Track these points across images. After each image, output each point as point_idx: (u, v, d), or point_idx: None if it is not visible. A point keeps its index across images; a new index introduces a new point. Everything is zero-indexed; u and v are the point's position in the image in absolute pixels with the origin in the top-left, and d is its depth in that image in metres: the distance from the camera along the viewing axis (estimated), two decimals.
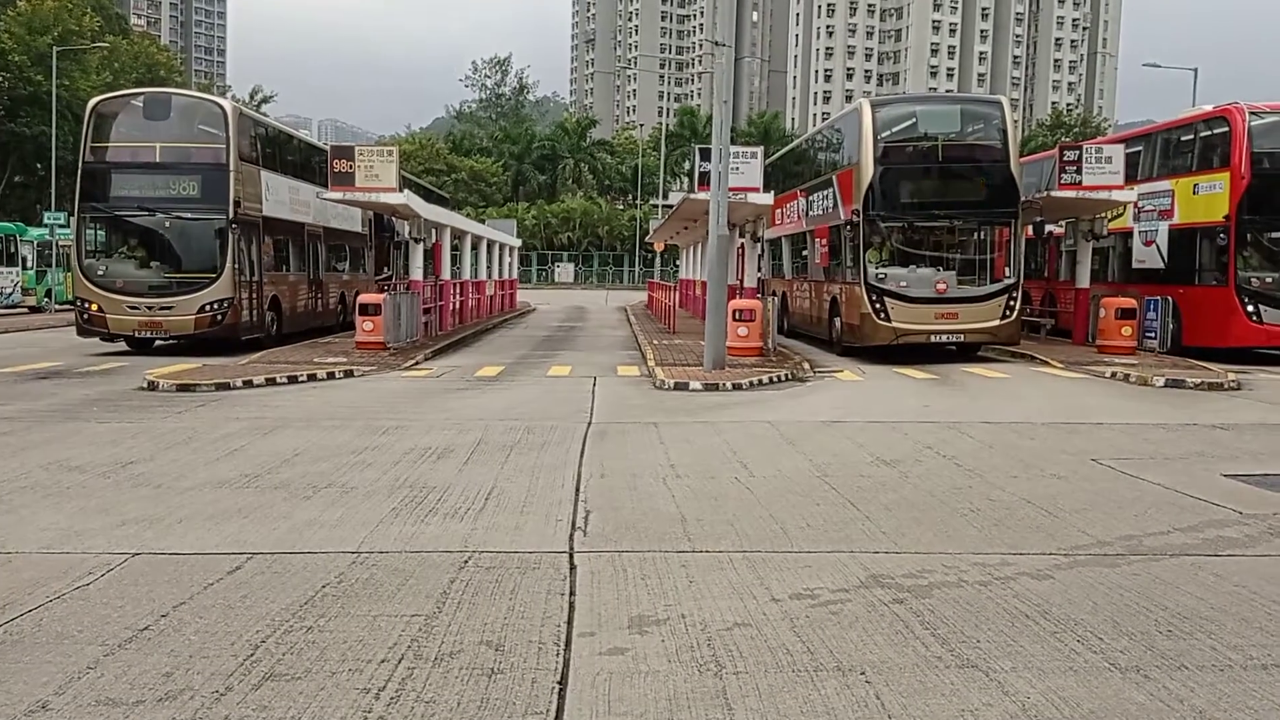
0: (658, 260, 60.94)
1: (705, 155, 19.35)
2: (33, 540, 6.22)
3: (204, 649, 4.48)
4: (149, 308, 18.78)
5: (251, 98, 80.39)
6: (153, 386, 14.00)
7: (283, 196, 21.88)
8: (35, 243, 36.20)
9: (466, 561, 5.89)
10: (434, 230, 23.69)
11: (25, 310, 34.24)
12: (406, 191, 20.46)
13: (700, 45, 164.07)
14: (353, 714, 3.85)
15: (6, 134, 49.98)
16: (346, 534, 6.46)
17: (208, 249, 19.08)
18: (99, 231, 19.77)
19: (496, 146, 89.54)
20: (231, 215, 18.88)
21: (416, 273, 21.86)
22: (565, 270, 76.08)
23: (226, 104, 20.40)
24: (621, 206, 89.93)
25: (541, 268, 75.93)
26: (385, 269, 31.35)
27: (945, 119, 20.26)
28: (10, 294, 34.84)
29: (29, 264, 36.00)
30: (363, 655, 4.43)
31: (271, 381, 14.81)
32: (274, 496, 7.50)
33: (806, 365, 17.32)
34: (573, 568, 5.79)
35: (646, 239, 55.61)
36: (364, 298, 19.59)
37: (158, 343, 19.70)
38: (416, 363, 17.96)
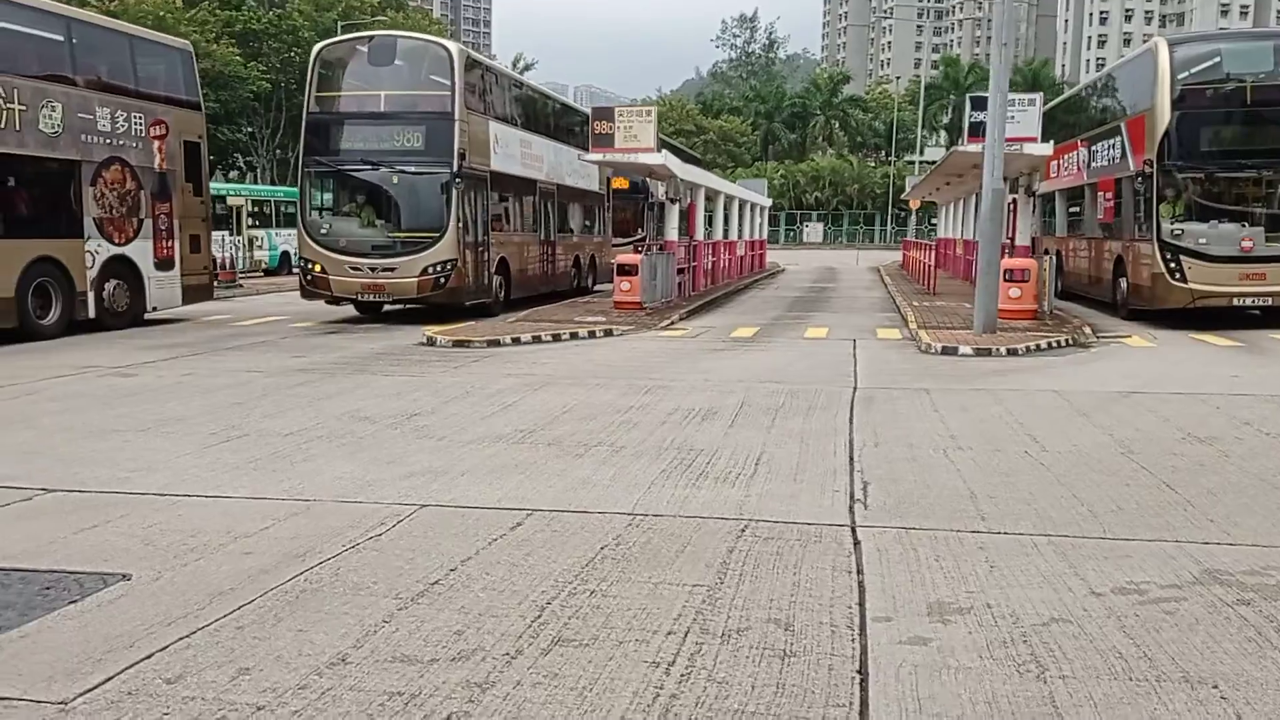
0: (912, 219, 58.72)
1: (977, 104, 18.19)
2: (329, 489, 6.49)
3: (492, 608, 4.45)
4: (371, 269, 17.47)
5: (514, 65, 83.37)
6: (431, 342, 14.66)
7: (513, 150, 20.49)
8: None
9: (744, 530, 5.64)
10: (689, 191, 23.59)
11: None
12: (664, 152, 20.41)
13: None
14: (644, 689, 3.67)
15: (298, 108, 54.12)
16: (619, 494, 6.37)
17: (431, 206, 17.60)
18: (323, 188, 18.75)
19: (746, 106, 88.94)
20: (456, 169, 17.31)
21: (672, 233, 21.85)
22: (814, 230, 74.77)
23: (453, 46, 18.62)
24: (872, 164, 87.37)
25: (790, 228, 74.95)
26: (640, 230, 31.68)
27: (1256, 57, 18.06)
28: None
29: None
30: (648, 625, 4.26)
31: (537, 339, 15.18)
32: (547, 453, 7.55)
33: (1088, 330, 16.03)
34: (856, 543, 5.42)
35: (902, 196, 53.64)
36: (621, 258, 19.78)
37: (386, 307, 18.77)
38: (672, 323, 17.95)
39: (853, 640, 4.14)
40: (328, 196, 18.74)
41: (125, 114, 16.48)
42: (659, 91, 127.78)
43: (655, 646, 4.05)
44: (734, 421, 8.85)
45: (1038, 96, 18.69)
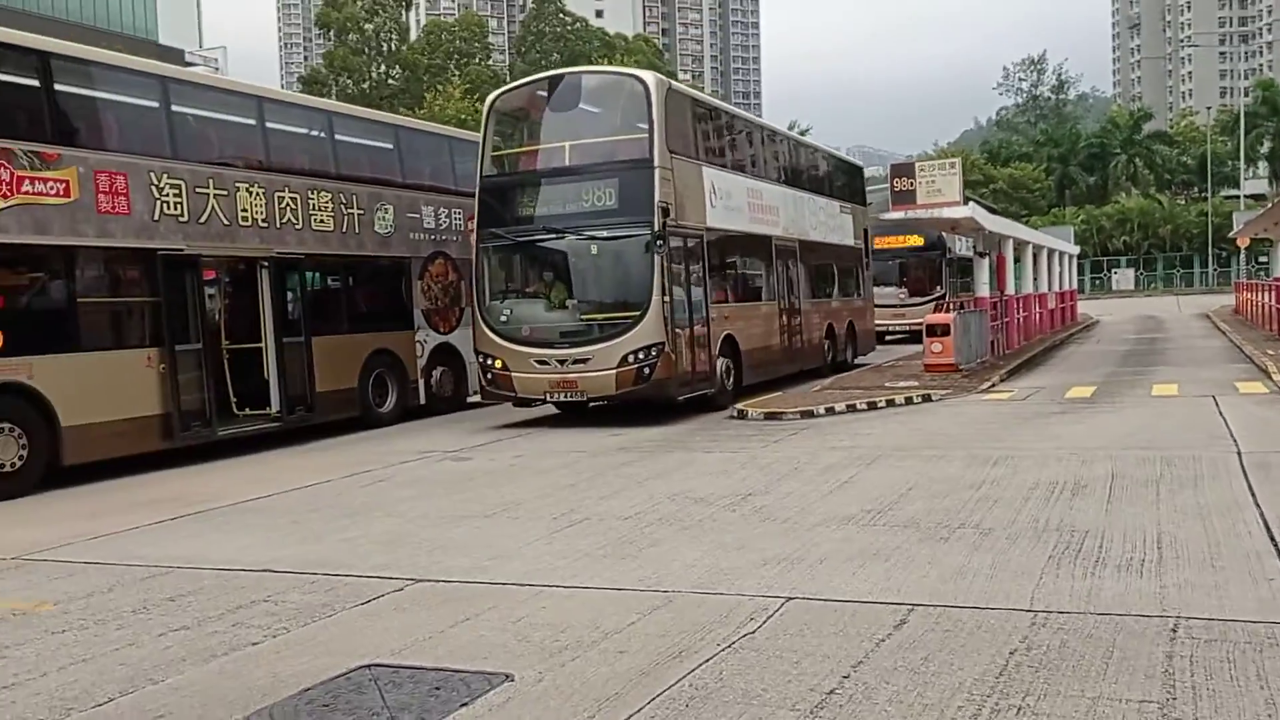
0: (1239, 259, 53.30)
1: None
2: (684, 578, 6.19)
3: None
4: (560, 362, 13.90)
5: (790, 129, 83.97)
6: (742, 415, 14.39)
7: (738, 202, 16.85)
8: None
9: (1174, 630, 4.80)
10: (997, 243, 22.34)
11: None
12: (971, 204, 19.45)
13: (1271, 11, 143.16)
14: None
15: None
16: (1009, 587, 5.66)
17: (628, 278, 14.16)
18: (502, 265, 15.23)
19: (1037, 151, 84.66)
20: (658, 228, 13.61)
21: (983, 289, 20.70)
22: (1124, 277, 69.46)
23: (650, 77, 14.84)
24: (1183, 202, 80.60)
25: (1095, 275, 70.06)
26: (938, 287, 30.45)
27: None
28: None
29: None
30: None
31: (851, 408, 14.56)
32: (907, 536, 6.93)
33: None
34: None
35: (1230, 234, 48.74)
36: (931, 318, 18.84)
37: (591, 404, 14.61)
38: (993, 384, 16.82)
39: None
40: (506, 275, 15.36)
41: (446, 210, 17.52)
42: (935, 145, 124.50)
43: None
44: (1110, 496, 7.87)
45: None
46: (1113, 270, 70.55)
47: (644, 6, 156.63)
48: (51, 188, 10.71)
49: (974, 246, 20.57)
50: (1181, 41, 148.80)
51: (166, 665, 5.11)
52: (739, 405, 14.82)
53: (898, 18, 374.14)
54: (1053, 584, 5.67)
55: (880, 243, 31.20)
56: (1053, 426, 12.06)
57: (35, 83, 10.91)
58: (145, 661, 5.18)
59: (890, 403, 15.01)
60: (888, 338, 31.18)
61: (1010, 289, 23.93)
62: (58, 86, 11.13)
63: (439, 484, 10.26)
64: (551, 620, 5.48)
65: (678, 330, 14.11)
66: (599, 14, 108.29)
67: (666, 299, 13.75)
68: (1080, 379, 17.36)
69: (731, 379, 15.92)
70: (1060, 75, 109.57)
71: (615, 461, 11.02)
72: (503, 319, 14.52)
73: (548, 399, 14.43)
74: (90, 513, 9.42)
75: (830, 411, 14.39)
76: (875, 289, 31.13)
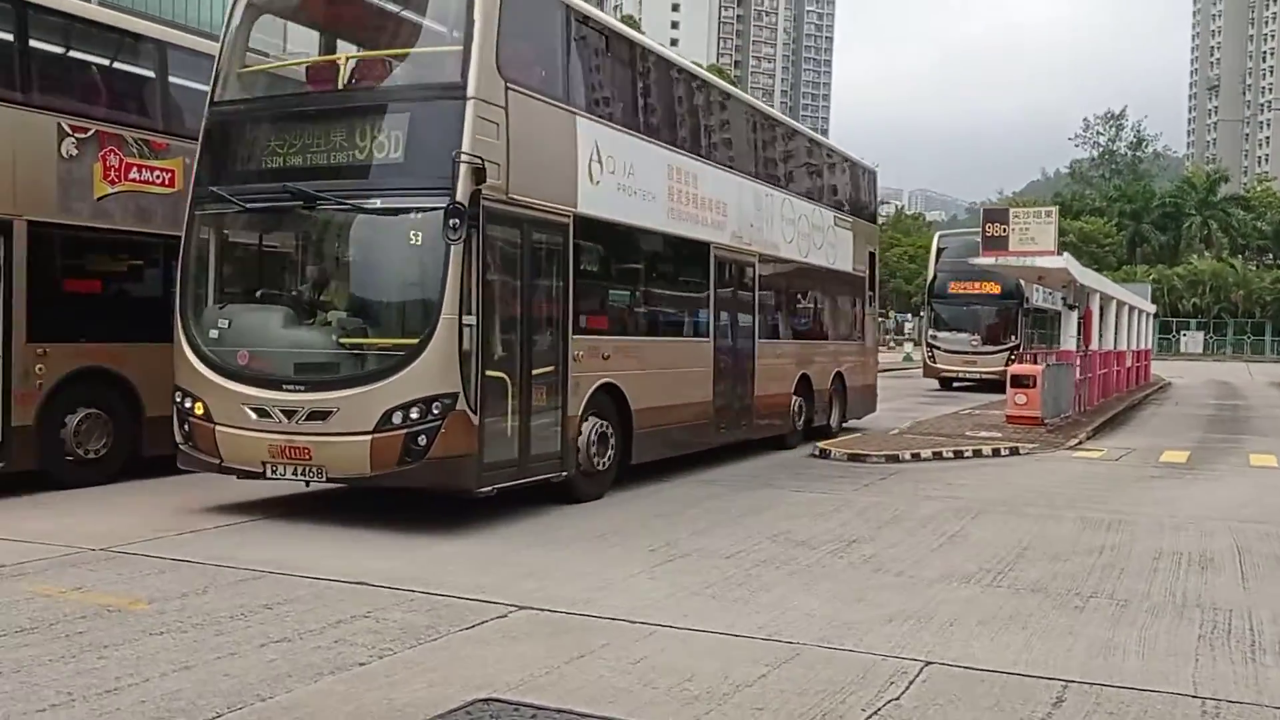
0: None
1: None
2: (806, 630, 5.84)
3: None
4: (288, 414, 8.27)
5: None
6: (824, 454, 13.98)
7: (647, 183, 10.93)
8: None
9: None
10: (1085, 297, 21.77)
11: None
12: (1065, 255, 18.96)
13: None
14: None
15: None
16: (1165, 667, 5.25)
17: (405, 281, 8.59)
18: (221, 247, 9.35)
19: (1110, 206, 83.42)
20: (458, 198, 7.91)
21: (1070, 342, 20.15)
22: (1193, 339, 68.05)
23: None
24: (1255, 267, 79.01)
25: (1164, 336, 68.61)
26: (1012, 337, 29.81)
27: None
28: None
29: None
30: None
31: (938, 455, 14.09)
32: (1037, 602, 6.53)
33: None
34: None
35: None
36: (1018, 369, 18.30)
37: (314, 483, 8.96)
38: (1080, 441, 16.28)
39: None
40: (228, 265, 9.51)
41: None
42: (1000, 194, 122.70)
43: None
44: (1244, 573, 7.42)
45: None
46: (1182, 332, 69.18)
47: (719, 37, 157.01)
48: (158, 176, 10.67)
49: (1064, 299, 20.06)
50: (1261, 105, 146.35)
51: (272, 680, 4.86)
52: (820, 444, 14.39)
53: (970, 65, 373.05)
54: (1211, 667, 5.26)
55: (956, 288, 30.84)
56: (1155, 491, 11.56)
57: (151, 73, 10.94)
58: (249, 674, 4.94)
59: (977, 453, 14.52)
60: (955, 385, 30.60)
61: (1095, 344, 23.31)
62: (172, 78, 11.13)
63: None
64: (674, 664, 5.16)
65: (492, 374, 8.46)
66: (674, 42, 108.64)
67: (470, 320, 8.12)
68: (1171, 442, 16.75)
69: (611, 454, 10.16)
70: (1138, 132, 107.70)
71: (698, 494, 10.64)
72: (214, 334, 8.93)
73: (266, 473, 8.47)
74: (173, 507, 9.24)
75: (916, 458, 13.94)
76: (947, 334, 30.89)
